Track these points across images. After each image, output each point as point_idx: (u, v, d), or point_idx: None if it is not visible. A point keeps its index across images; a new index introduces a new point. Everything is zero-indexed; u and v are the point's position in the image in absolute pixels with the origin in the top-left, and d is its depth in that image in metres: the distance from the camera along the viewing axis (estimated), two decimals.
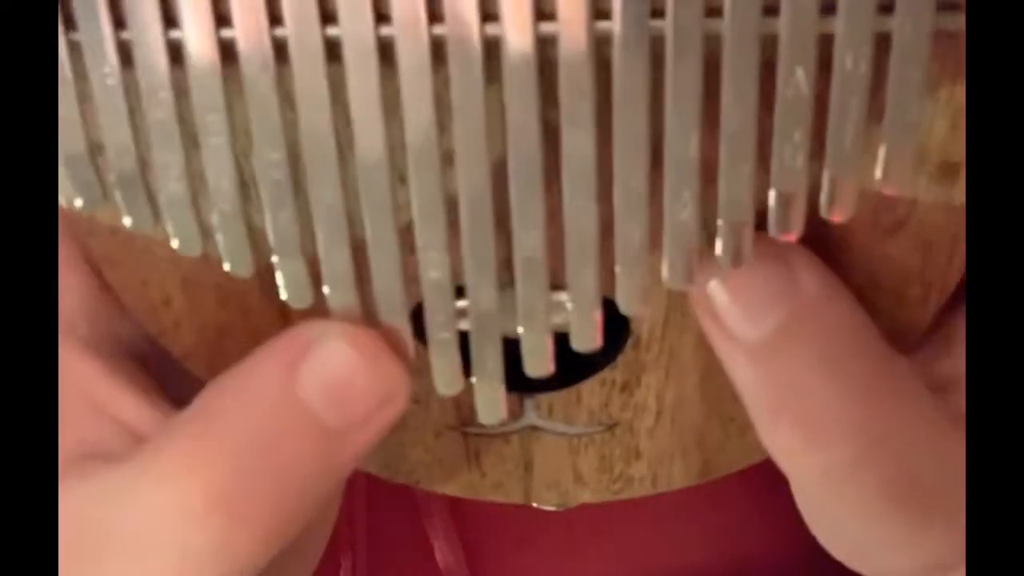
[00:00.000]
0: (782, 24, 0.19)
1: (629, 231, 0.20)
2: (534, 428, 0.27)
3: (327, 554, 0.36)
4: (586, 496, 0.28)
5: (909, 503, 0.22)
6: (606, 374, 0.26)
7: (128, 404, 0.24)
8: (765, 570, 0.29)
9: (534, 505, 0.28)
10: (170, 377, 0.26)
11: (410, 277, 0.22)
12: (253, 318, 0.25)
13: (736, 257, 0.21)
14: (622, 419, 0.26)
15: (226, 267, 0.22)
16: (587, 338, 0.22)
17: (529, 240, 0.21)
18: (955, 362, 0.24)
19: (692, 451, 0.27)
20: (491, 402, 0.23)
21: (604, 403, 0.26)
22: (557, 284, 0.22)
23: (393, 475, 0.28)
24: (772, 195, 0.20)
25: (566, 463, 0.27)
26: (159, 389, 0.26)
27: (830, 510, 0.23)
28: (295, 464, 0.21)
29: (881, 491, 0.22)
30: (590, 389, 0.26)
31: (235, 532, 0.21)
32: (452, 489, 0.28)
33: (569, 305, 0.22)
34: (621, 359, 0.25)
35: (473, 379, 0.23)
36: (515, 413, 0.27)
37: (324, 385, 0.21)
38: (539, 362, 0.22)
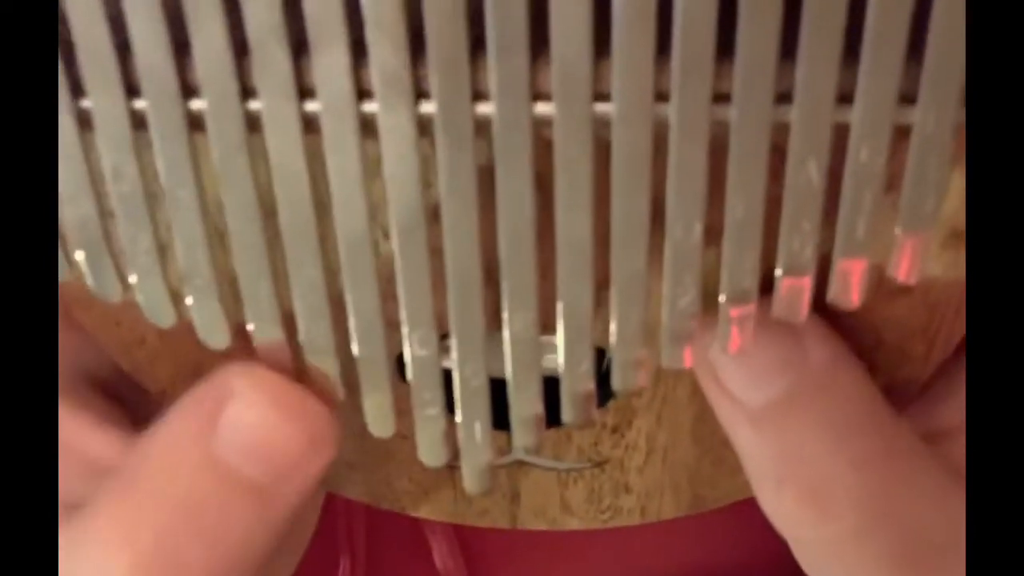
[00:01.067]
0: (795, 113, 0.17)
1: (626, 312, 0.19)
2: (522, 463, 0.26)
3: (326, 555, 0.36)
4: (574, 524, 0.27)
5: (916, 564, 0.22)
6: (597, 416, 0.25)
7: (96, 442, 0.23)
8: (766, 570, 0.29)
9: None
10: (147, 406, 0.26)
11: (390, 323, 0.21)
12: (230, 358, 0.24)
13: (734, 340, 0.20)
14: (612, 457, 0.26)
15: (200, 339, 0.21)
16: (578, 413, 0.21)
17: (521, 321, 0.20)
18: (951, 413, 0.23)
19: (683, 487, 0.26)
20: (477, 472, 0.22)
21: (594, 442, 0.25)
22: (549, 329, 0.21)
23: (377, 502, 0.28)
24: (778, 277, 0.19)
25: (554, 494, 0.27)
26: (130, 424, 0.25)
27: (834, 572, 0.23)
28: (223, 523, 0.21)
29: (887, 557, 0.22)
30: (580, 429, 0.25)
31: None
32: (438, 515, 0.28)
33: (561, 362, 0.21)
34: (612, 403, 0.24)
35: (460, 445, 0.22)
36: (503, 450, 0.26)
37: (242, 442, 0.20)
38: (527, 433, 0.21)
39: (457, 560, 0.36)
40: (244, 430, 0.20)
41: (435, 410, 0.21)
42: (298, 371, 0.21)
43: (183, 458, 0.20)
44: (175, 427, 0.21)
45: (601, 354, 0.21)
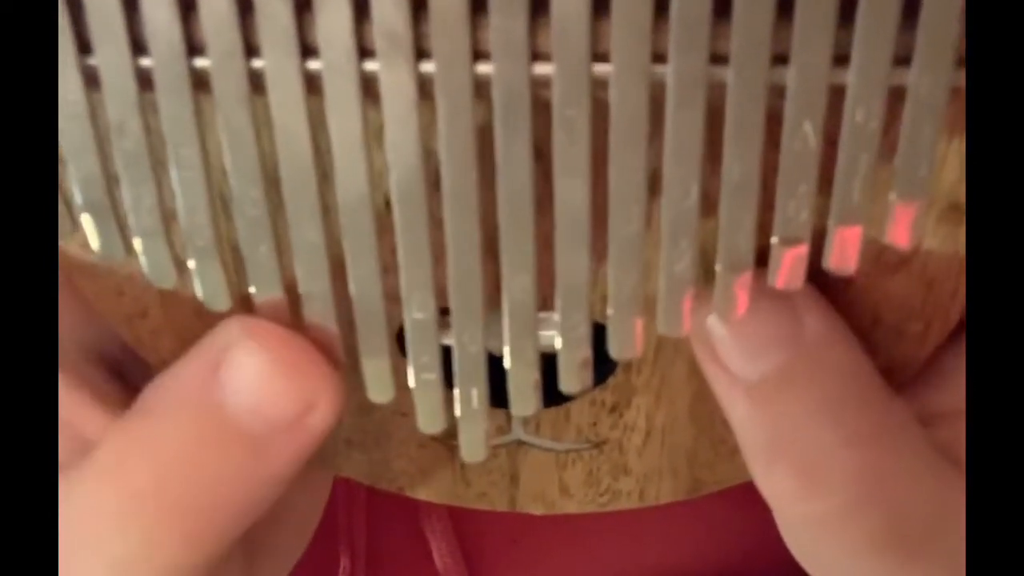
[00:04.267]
0: (791, 75, 0.18)
1: (622, 277, 0.20)
2: (521, 443, 0.26)
3: (326, 555, 0.36)
4: (572, 507, 0.27)
5: (903, 544, 0.22)
6: (595, 394, 0.25)
7: (92, 419, 0.23)
8: (767, 568, 0.29)
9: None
10: (144, 380, 0.26)
11: (391, 296, 0.21)
12: None
13: (731, 307, 0.20)
14: (611, 437, 0.26)
15: (201, 300, 0.21)
16: (575, 382, 0.21)
17: (519, 284, 0.20)
18: (947, 396, 0.23)
19: (682, 469, 0.26)
20: (475, 440, 0.22)
21: (592, 422, 0.25)
22: (546, 306, 0.21)
23: (375, 482, 0.28)
24: (774, 243, 0.19)
25: (552, 476, 0.27)
26: (130, 399, 0.25)
27: (821, 551, 0.22)
28: (219, 470, 0.21)
29: (875, 535, 0.21)
30: (579, 408, 0.25)
31: (157, 537, 0.21)
32: (436, 497, 0.28)
33: (558, 343, 0.21)
34: (611, 381, 0.25)
35: (457, 414, 0.22)
36: (502, 428, 0.26)
37: (241, 390, 0.20)
38: (526, 402, 0.21)
39: (457, 560, 0.36)
40: (242, 380, 0.20)
41: (433, 375, 0.21)
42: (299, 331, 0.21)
43: (184, 401, 0.21)
44: (179, 371, 0.21)
45: (601, 330, 0.22)
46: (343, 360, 0.21)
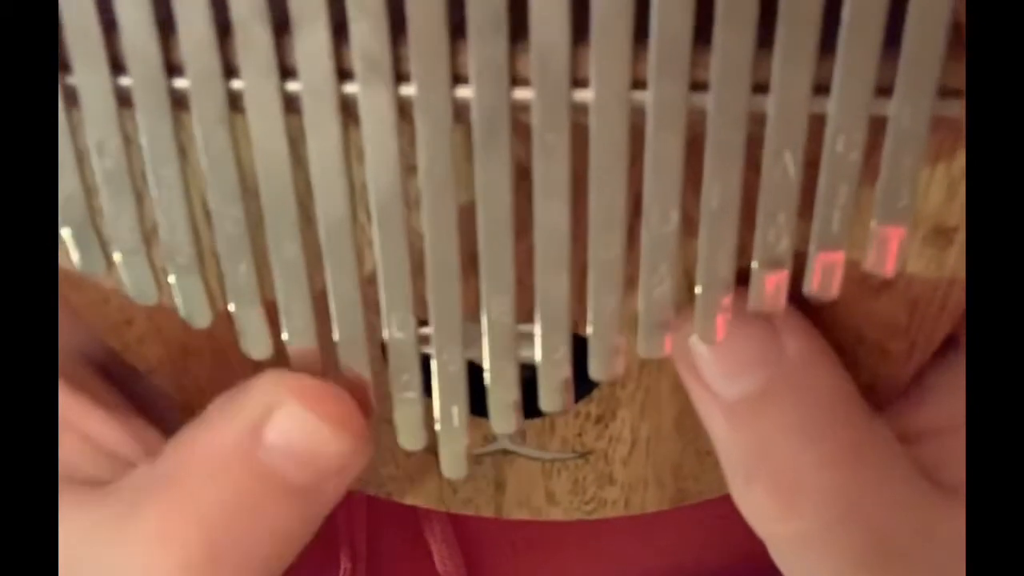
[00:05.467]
0: (771, 103, 0.17)
1: (601, 301, 0.19)
2: (507, 452, 0.26)
3: (327, 559, 0.36)
4: (558, 515, 0.27)
5: (883, 563, 0.22)
6: (581, 406, 0.25)
7: (95, 421, 0.24)
8: (766, 573, 0.29)
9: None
10: (136, 384, 0.26)
11: (374, 310, 0.21)
12: (218, 339, 0.24)
13: (711, 329, 0.20)
14: (596, 448, 0.26)
15: (182, 317, 0.21)
16: (555, 402, 0.21)
17: (498, 305, 0.20)
18: (929, 414, 0.23)
19: (667, 479, 0.26)
20: (455, 457, 0.22)
21: (578, 433, 0.26)
22: (530, 318, 0.21)
23: (364, 487, 0.28)
24: (754, 268, 0.19)
25: (538, 484, 0.27)
26: (125, 402, 0.25)
27: (802, 568, 0.23)
28: (267, 524, 0.21)
29: (854, 554, 0.22)
30: (564, 419, 0.25)
31: None
32: (423, 502, 0.28)
33: (538, 356, 0.21)
34: (596, 393, 0.25)
35: (437, 428, 0.22)
36: (488, 437, 0.26)
37: (288, 449, 0.21)
38: (505, 420, 0.21)
39: (457, 564, 0.36)
40: (290, 438, 0.21)
41: (413, 393, 0.21)
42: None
43: (228, 463, 0.21)
44: (218, 432, 0.21)
45: (586, 343, 0.21)
46: (374, 406, 0.22)
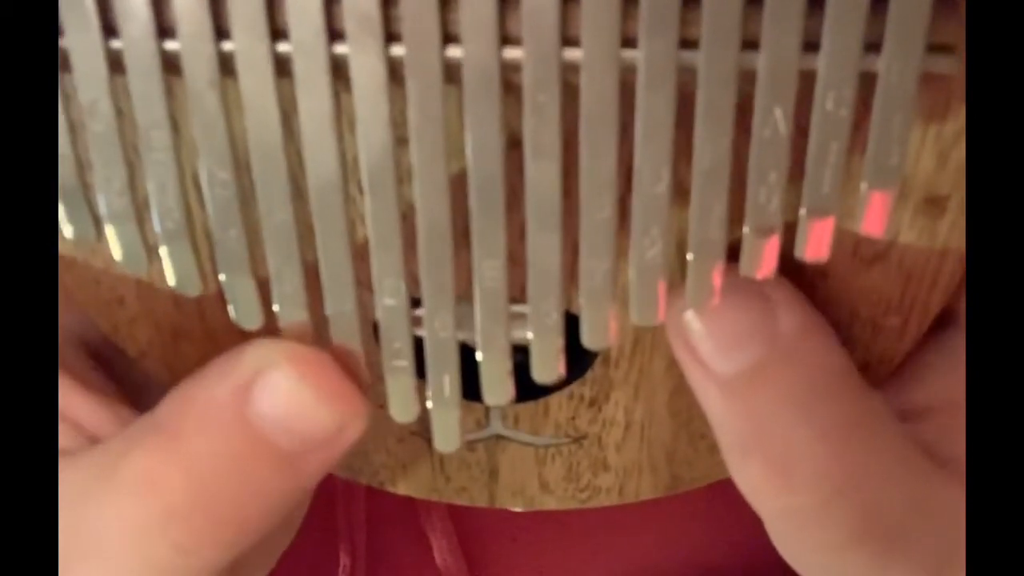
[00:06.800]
0: (761, 60, 0.17)
1: (593, 265, 0.19)
2: (500, 437, 0.26)
3: (327, 553, 0.36)
4: (552, 503, 0.27)
5: (879, 538, 0.22)
6: (574, 388, 0.25)
7: (79, 404, 0.24)
8: (766, 564, 0.28)
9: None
10: (125, 369, 0.26)
11: (367, 288, 0.21)
12: (209, 321, 0.24)
13: (704, 296, 0.20)
14: (590, 432, 0.26)
15: (172, 286, 0.21)
16: (548, 370, 0.21)
17: (490, 270, 0.20)
18: (927, 392, 0.23)
19: (661, 465, 0.26)
20: (447, 429, 0.22)
21: (571, 416, 0.25)
22: (519, 297, 0.21)
23: (355, 476, 0.27)
24: (745, 233, 0.19)
25: (532, 472, 0.27)
26: (111, 386, 0.25)
27: (799, 544, 0.22)
28: (252, 485, 0.21)
29: (850, 530, 0.21)
30: (557, 402, 0.25)
31: (195, 544, 0.21)
32: (416, 491, 0.27)
33: (530, 334, 0.21)
34: (590, 375, 0.24)
35: (429, 404, 0.22)
36: (481, 423, 0.26)
37: (276, 413, 0.21)
38: (498, 391, 0.21)
39: (457, 558, 0.36)
40: (279, 402, 0.21)
41: (404, 362, 0.21)
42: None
43: (217, 419, 0.21)
44: (210, 388, 0.21)
45: (579, 322, 0.21)
46: (368, 380, 0.21)
